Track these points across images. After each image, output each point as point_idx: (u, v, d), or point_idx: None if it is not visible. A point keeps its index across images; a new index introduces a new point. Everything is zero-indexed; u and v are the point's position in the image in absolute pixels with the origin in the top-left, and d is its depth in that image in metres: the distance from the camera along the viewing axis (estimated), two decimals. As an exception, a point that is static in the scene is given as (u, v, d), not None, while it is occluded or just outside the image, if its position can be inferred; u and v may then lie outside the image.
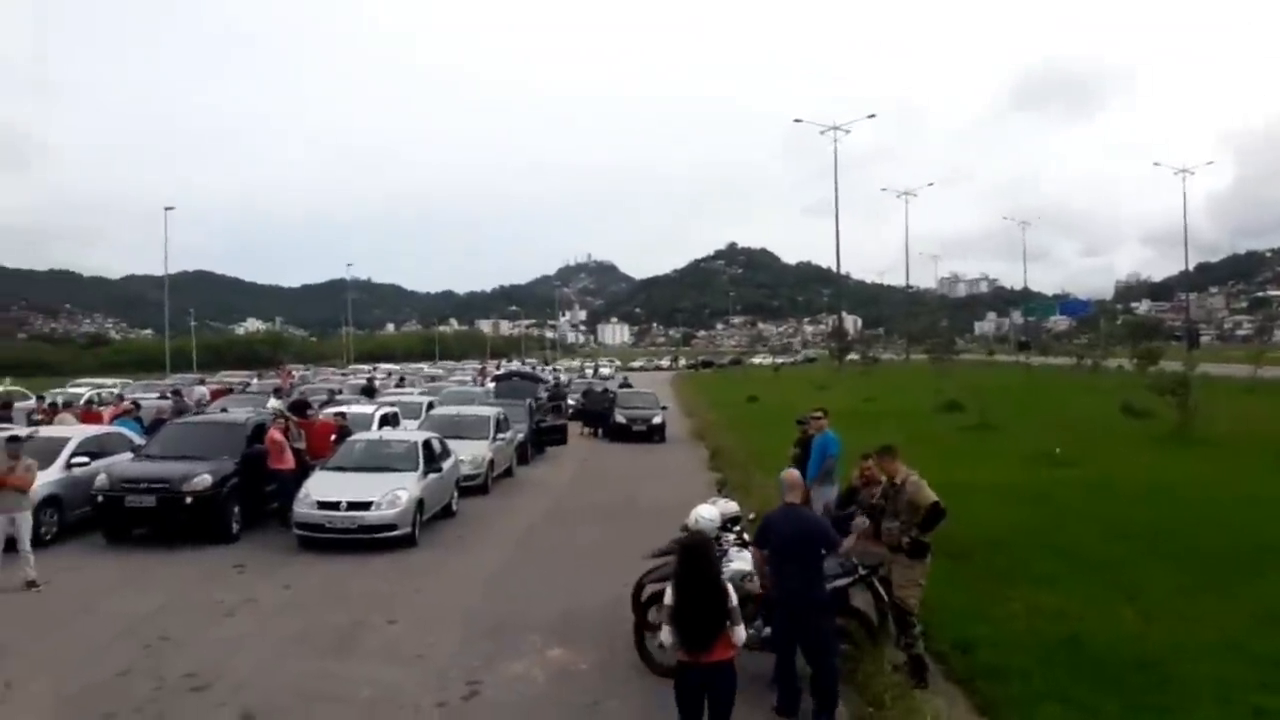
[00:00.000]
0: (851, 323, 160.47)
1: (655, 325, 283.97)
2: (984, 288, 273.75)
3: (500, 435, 20.11)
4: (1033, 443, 22.71)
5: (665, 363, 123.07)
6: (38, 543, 11.39)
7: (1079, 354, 71.23)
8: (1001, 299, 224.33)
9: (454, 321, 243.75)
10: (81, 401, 25.63)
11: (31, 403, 25.24)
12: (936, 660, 8.20)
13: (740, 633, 5.66)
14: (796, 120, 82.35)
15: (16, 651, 8.45)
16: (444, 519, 15.06)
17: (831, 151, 74.96)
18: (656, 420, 29.45)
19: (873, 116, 77.46)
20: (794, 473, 7.88)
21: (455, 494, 15.88)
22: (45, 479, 12.44)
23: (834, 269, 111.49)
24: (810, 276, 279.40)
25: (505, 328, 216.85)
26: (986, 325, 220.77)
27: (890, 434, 15.34)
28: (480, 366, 67.65)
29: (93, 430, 16.18)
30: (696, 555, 5.74)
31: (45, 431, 15.49)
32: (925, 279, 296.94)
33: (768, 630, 7.68)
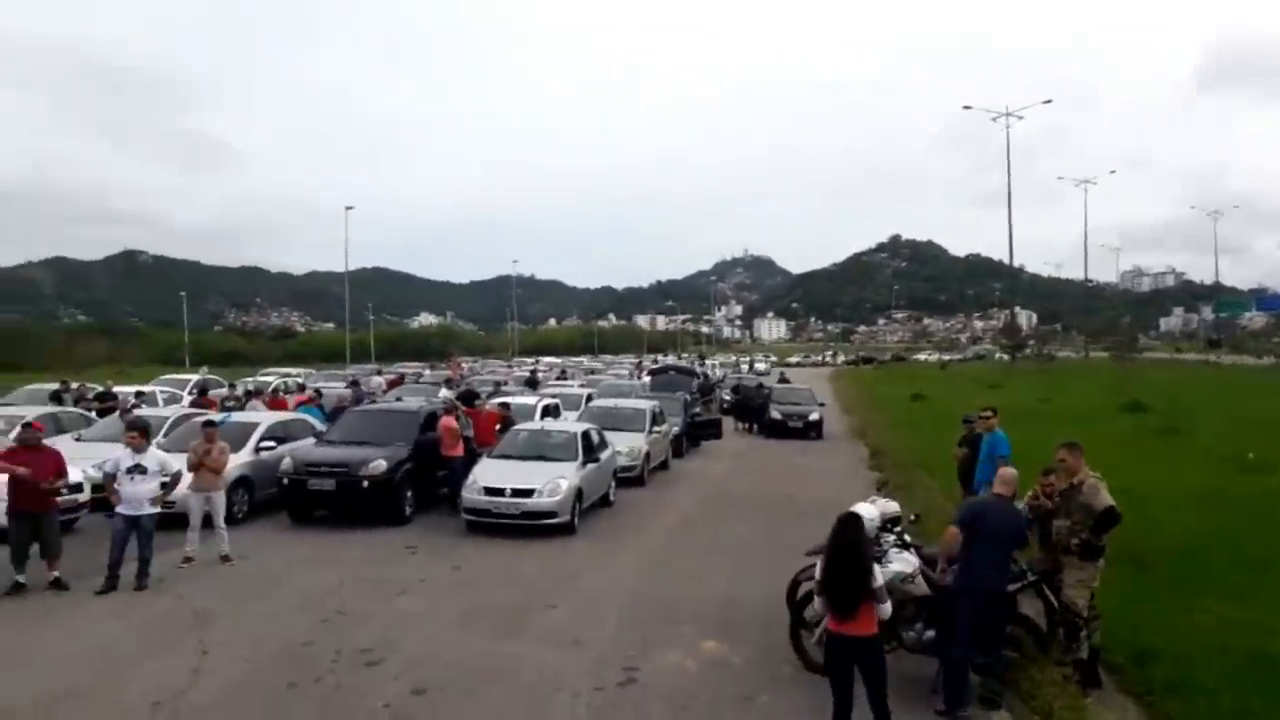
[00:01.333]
0: (1025, 318, 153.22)
1: (813, 320, 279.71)
2: (1170, 282, 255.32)
3: (656, 428, 20.30)
4: (1224, 446, 21.05)
5: (823, 358, 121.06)
6: (230, 521, 12.30)
7: (1278, 353, 65.45)
8: (1189, 294, 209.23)
9: (612, 316, 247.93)
10: (269, 390, 27.48)
11: (225, 390, 27.33)
12: (1111, 672, 7.74)
13: (885, 609, 5.98)
14: (965, 107, 79.64)
15: (213, 619, 9.15)
16: (602, 508, 15.34)
17: (1001, 138, 72.00)
18: (814, 417, 29.00)
19: (1049, 102, 73.47)
20: (1011, 470, 7.82)
21: (613, 484, 16.14)
22: (237, 461, 13.41)
23: (1006, 261, 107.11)
24: (980, 269, 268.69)
25: (661, 323, 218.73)
26: (1173, 321, 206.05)
27: (1067, 435, 14.53)
28: (636, 361, 68.47)
29: (279, 416, 17.33)
30: (845, 525, 6.13)
31: (237, 417, 16.70)
32: (1105, 272, 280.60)
33: (930, 633, 7.47)
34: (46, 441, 11.06)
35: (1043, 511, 7.98)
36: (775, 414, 29.22)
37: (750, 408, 31.24)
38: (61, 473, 10.38)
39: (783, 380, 42.86)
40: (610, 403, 22.25)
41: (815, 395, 31.82)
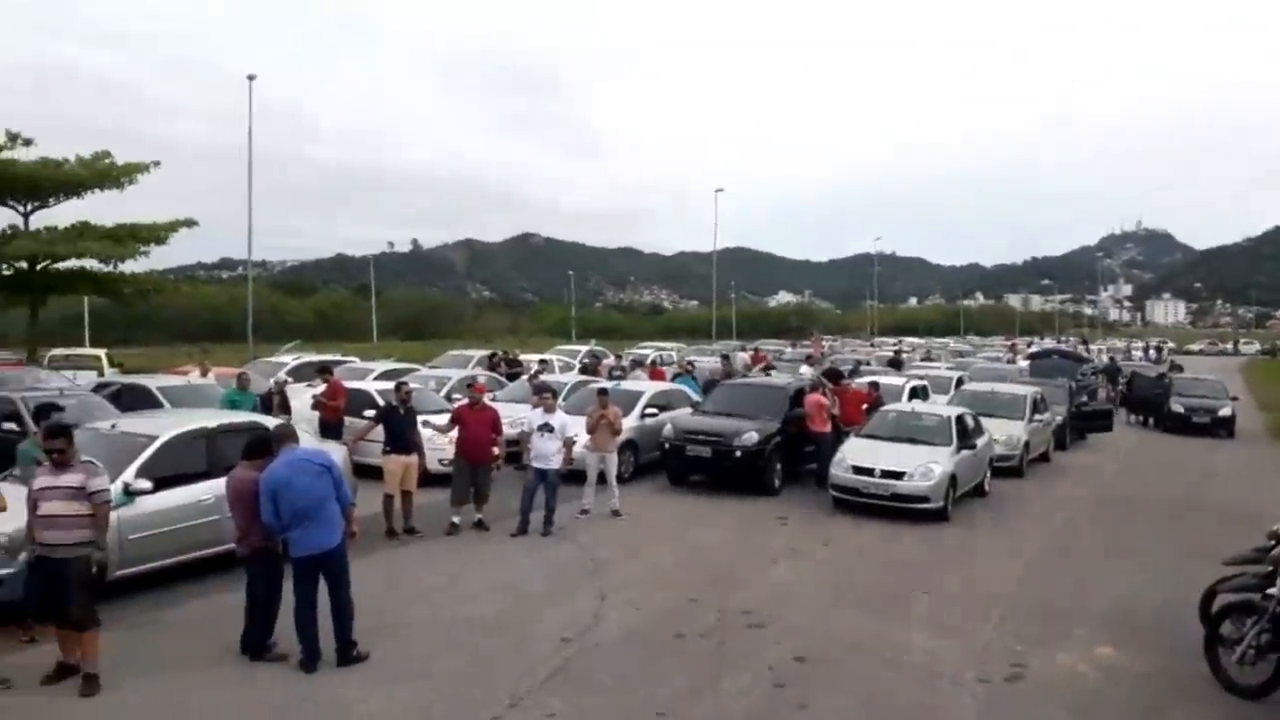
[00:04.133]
0: None
1: (1219, 303, 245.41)
2: None
3: (1037, 416, 19.01)
4: None
5: (1232, 346, 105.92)
6: (618, 480, 13.39)
7: None
8: None
9: (979, 295, 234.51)
10: (647, 361, 29.43)
11: (611, 361, 29.63)
12: None
13: None
14: None
15: (608, 568, 10.06)
16: (976, 498, 14.70)
17: None
18: (1224, 412, 25.57)
19: None
20: None
21: (988, 473, 15.41)
22: (625, 425, 14.53)
23: None
24: None
25: (1036, 303, 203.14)
26: None
27: None
28: (1010, 343, 64.30)
29: (660, 386, 18.49)
30: None
31: (624, 385, 18.05)
32: None
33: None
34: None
35: None
36: (1177, 407, 26.14)
37: (1145, 399, 28.21)
38: (498, 429, 11.89)
39: (1174, 368, 38.06)
40: (985, 387, 21.14)
41: (1226, 388, 28.02)
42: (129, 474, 8.47)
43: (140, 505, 8.44)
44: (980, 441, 15.20)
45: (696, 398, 18.03)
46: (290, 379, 18.68)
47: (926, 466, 13.13)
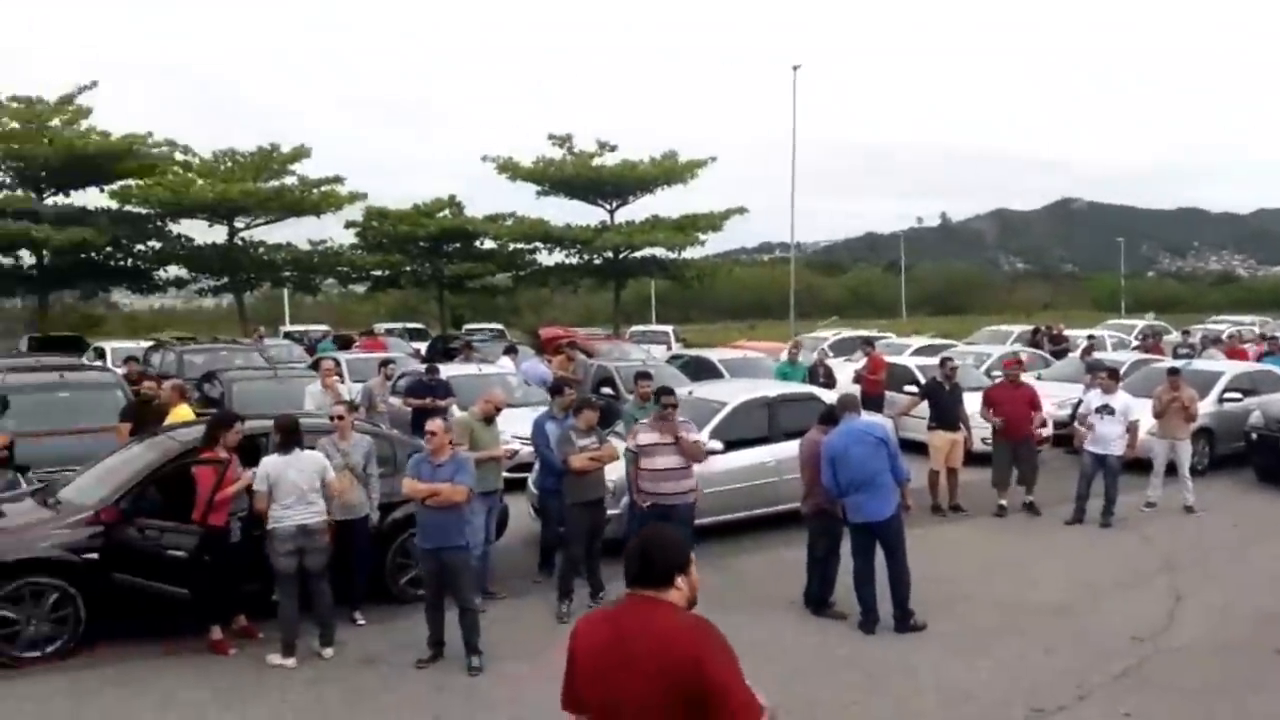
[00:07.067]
0: None
1: None
2: None
3: None
4: None
5: None
6: (1191, 472, 11.87)
7: None
8: None
9: None
10: (1225, 337, 25.59)
11: (1174, 337, 26.24)
12: None
13: None
14: None
15: (1181, 567, 9.03)
16: None
17: None
18: None
19: None
20: None
21: None
22: (1200, 410, 12.80)
23: None
24: None
25: None
26: None
27: None
28: None
29: (1243, 367, 15.98)
30: None
31: (1197, 364, 15.92)
32: None
33: None
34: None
35: None
36: None
37: None
38: (1037, 406, 11.35)
39: None
40: None
41: None
42: (703, 435, 9.58)
43: (712, 463, 9.47)
44: None
45: (1291, 381, 15.25)
46: (830, 353, 19.56)
47: None
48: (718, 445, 9.52)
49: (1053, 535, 10.28)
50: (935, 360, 13.89)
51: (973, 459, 11.92)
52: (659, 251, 35.89)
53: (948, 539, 10.07)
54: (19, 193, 30.62)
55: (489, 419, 8.29)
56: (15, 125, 29.80)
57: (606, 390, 15.04)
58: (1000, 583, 8.54)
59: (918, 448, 11.89)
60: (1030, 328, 26.16)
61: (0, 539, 6.75)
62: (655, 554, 2.81)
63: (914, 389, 13.35)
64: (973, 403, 11.74)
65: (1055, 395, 14.16)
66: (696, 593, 2.85)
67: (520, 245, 37.68)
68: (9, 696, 6.09)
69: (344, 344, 23.48)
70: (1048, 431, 13.50)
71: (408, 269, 38.75)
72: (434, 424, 6.81)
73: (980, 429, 12.36)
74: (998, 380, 12.93)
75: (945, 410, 11.41)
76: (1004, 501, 11.15)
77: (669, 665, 2.62)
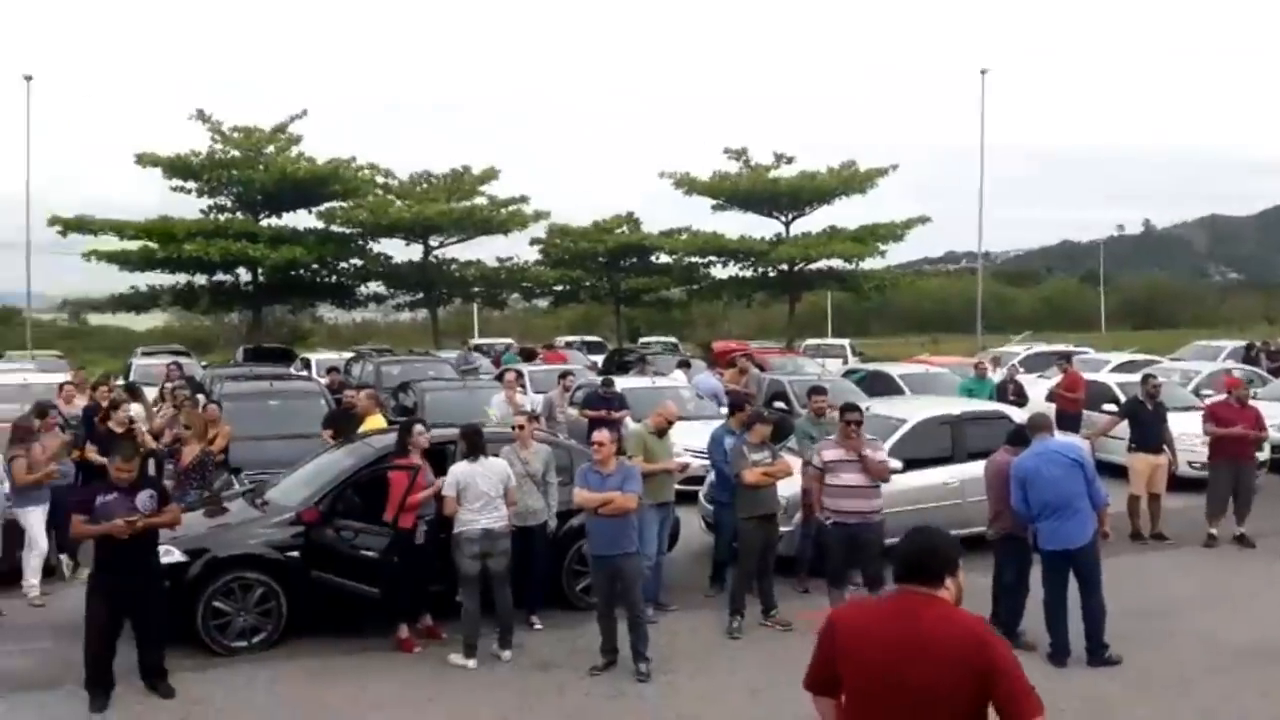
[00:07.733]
0: None
1: None
2: None
3: None
4: None
5: None
6: None
7: None
8: None
9: None
10: None
11: None
12: None
13: None
14: None
15: None
16: None
17: None
18: None
19: None
20: None
21: None
22: None
23: None
24: None
25: None
26: None
27: None
28: None
29: None
30: None
31: None
32: None
33: None
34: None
35: None
36: None
37: None
38: (1261, 427, 10.38)
39: None
40: None
41: None
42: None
43: (890, 483, 9.17)
44: None
45: None
46: (1022, 369, 18.61)
47: None
48: (897, 464, 9.21)
49: (1270, 569, 9.39)
50: (1137, 377, 12.96)
51: (1177, 484, 11.03)
52: (836, 263, 35.27)
53: (1149, 569, 9.34)
54: (239, 216, 33.47)
55: (662, 432, 8.36)
56: (236, 153, 32.61)
57: (779, 405, 14.88)
58: (1207, 618, 7.85)
59: (1117, 471, 11.12)
60: (1244, 343, 24.03)
61: (221, 535, 7.38)
62: (929, 554, 3.02)
63: (1113, 408, 12.51)
64: (1178, 423, 10.86)
65: (1274, 416, 12.89)
66: (962, 595, 3.03)
67: (695, 259, 37.97)
68: (218, 682, 6.61)
69: (527, 356, 24.33)
70: (1264, 455, 12.37)
71: (587, 284, 39.76)
72: (600, 434, 6.97)
73: (1186, 452, 11.41)
74: (1217, 400, 11.93)
75: (1148, 431, 10.60)
76: (1214, 530, 10.24)
77: (956, 647, 2.83)
